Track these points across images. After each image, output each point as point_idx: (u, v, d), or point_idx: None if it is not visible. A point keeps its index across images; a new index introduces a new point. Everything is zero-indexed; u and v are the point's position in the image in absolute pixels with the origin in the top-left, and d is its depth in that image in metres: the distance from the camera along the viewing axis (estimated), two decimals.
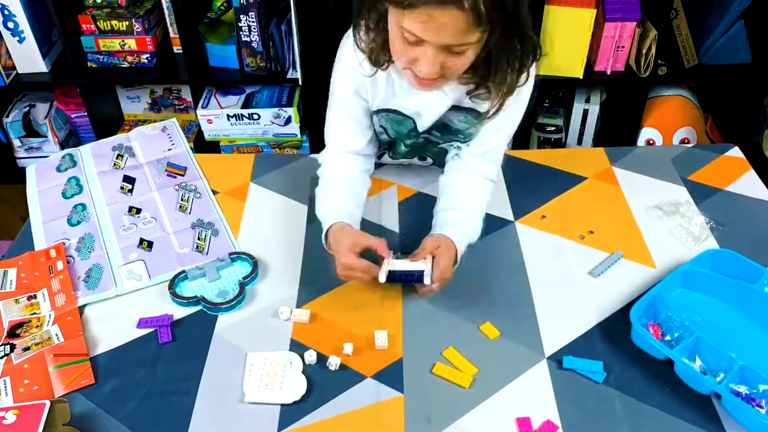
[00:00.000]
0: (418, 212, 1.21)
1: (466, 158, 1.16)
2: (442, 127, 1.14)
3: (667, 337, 0.96)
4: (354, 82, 1.10)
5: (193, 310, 1.05)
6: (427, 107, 1.11)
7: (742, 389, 0.89)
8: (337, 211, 1.09)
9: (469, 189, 1.13)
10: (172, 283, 1.08)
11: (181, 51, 2.03)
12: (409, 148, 1.23)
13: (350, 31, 1.06)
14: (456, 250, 1.04)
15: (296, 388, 0.92)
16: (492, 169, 1.16)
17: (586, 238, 1.17)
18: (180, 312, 1.05)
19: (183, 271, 1.10)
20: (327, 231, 1.07)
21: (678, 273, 1.05)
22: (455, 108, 1.10)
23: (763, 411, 0.87)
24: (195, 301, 1.05)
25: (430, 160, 1.29)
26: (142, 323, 1.03)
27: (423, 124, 1.14)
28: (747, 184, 1.29)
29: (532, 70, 1.03)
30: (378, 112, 1.14)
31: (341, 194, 1.12)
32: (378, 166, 1.33)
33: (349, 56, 1.07)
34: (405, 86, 1.08)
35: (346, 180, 1.14)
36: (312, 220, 1.20)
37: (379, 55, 1.02)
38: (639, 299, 0.99)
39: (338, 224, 1.06)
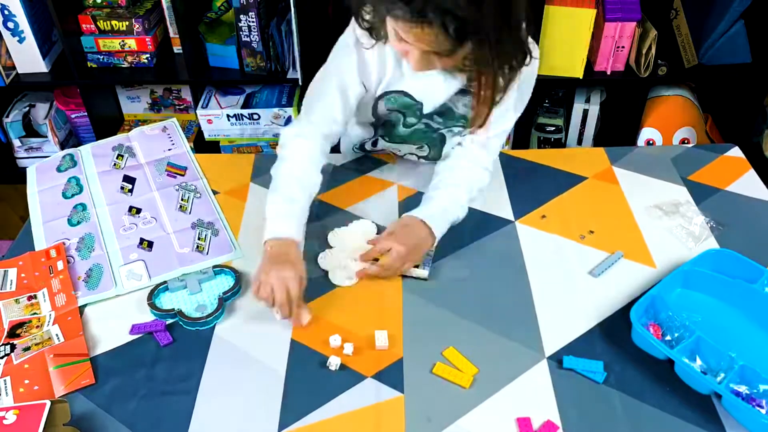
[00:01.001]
0: None
1: (467, 146, 1.19)
2: (444, 111, 1.16)
3: (668, 337, 0.96)
4: (355, 59, 1.09)
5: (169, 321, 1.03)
6: (434, 89, 1.13)
7: (743, 389, 0.89)
8: (289, 221, 1.07)
9: (460, 173, 1.17)
10: (152, 295, 1.06)
11: (181, 51, 2.03)
12: (409, 131, 1.22)
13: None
14: (428, 228, 1.08)
15: None
16: (489, 159, 1.19)
17: (587, 238, 1.17)
18: None
19: (164, 283, 1.08)
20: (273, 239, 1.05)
21: (678, 273, 1.05)
22: (461, 92, 1.12)
23: (763, 411, 0.87)
24: (172, 314, 1.03)
25: (426, 149, 1.27)
26: (134, 329, 1.01)
27: (428, 107, 1.16)
28: (747, 184, 1.29)
29: (535, 64, 1.05)
30: (385, 94, 1.15)
31: (300, 191, 1.10)
32: (376, 160, 1.33)
33: (350, 32, 1.09)
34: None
35: (305, 175, 1.12)
36: (312, 219, 1.20)
37: (380, 30, 1.02)
38: (639, 299, 0.99)
39: (289, 241, 1.05)
